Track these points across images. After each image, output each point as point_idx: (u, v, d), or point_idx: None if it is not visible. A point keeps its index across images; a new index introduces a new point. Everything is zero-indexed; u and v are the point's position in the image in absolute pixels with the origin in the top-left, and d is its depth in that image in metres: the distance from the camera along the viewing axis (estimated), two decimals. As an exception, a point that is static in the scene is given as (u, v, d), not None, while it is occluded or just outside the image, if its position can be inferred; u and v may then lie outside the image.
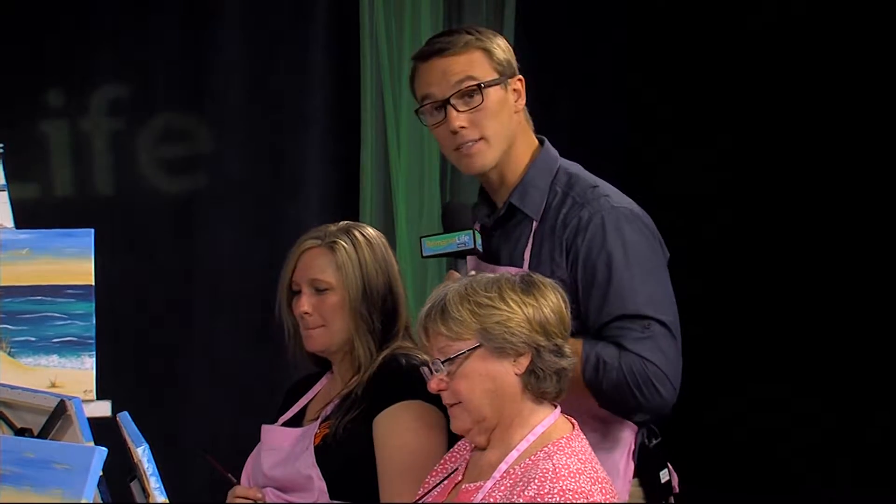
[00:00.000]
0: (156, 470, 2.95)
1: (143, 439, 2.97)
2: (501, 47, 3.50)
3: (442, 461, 3.27)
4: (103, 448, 2.83)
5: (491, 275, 3.13)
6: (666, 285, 3.41)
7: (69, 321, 3.37)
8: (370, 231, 3.73)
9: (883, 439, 5.18)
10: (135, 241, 5.34)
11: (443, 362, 3.06)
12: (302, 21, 5.46)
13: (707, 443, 5.25)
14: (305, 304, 3.64)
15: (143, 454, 2.95)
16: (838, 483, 5.23)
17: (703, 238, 5.37)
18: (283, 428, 3.75)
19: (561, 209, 3.42)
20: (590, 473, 2.99)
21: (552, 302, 3.08)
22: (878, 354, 5.21)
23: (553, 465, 2.98)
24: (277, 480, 3.67)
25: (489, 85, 3.44)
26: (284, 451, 3.68)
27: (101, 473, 2.82)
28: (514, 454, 3.05)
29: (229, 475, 3.71)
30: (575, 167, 3.53)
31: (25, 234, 3.38)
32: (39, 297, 3.36)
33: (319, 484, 3.57)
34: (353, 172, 5.43)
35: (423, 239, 3.49)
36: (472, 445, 3.18)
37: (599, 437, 3.38)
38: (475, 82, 3.44)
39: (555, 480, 2.96)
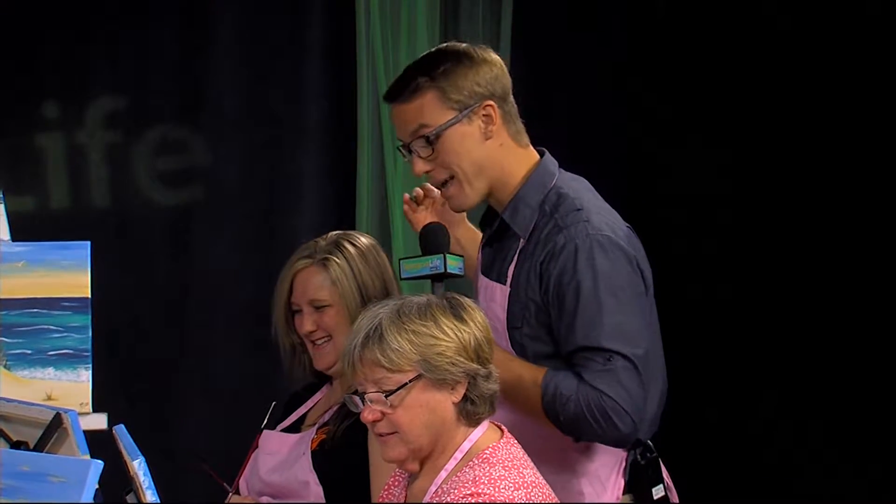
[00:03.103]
0: (152, 483, 2.94)
1: (138, 452, 2.97)
2: (462, 77, 3.40)
3: (386, 487, 3.25)
4: (99, 461, 2.82)
5: (418, 298, 3.08)
6: (638, 316, 3.34)
7: (65, 334, 3.37)
8: (361, 239, 3.76)
9: (886, 444, 5.17)
10: (131, 253, 5.33)
11: (386, 395, 3.00)
12: (298, 34, 5.47)
13: (712, 446, 5.25)
14: (308, 323, 3.67)
15: (139, 467, 2.94)
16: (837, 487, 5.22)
17: (703, 238, 5.38)
18: (280, 433, 3.76)
19: (544, 229, 3.39)
20: (513, 479, 2.97)
21: (479, 322, 3.07)
22: (880, 356, 5.20)
23: (474, 475, 2.97)
24: (274, 485, 3.67)
25: (444, 129, 3.39)
26: (281, 456, 3.69)
27: (97, 486, 2.81)
28: (442, 475, 3.03)
29: (223, 483, 3.71)
30: (570, 183, 3.47)
31: (21, 247, 3.38)
32: (35, 310, 3.36)
33: (316, 489, 3.58)
34: (349, 185, 5.43)
35: (401, 261, 3.45)
36: (406, 475, 3.16)
37: (583, 450, 3.40)
38: (427, 130, 3.39)
39: (472, 487, 2.94)
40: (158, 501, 2.96)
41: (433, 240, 3.42)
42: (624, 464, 3.42)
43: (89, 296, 3.37)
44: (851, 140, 5.25)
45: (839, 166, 5.27)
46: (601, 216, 3.39)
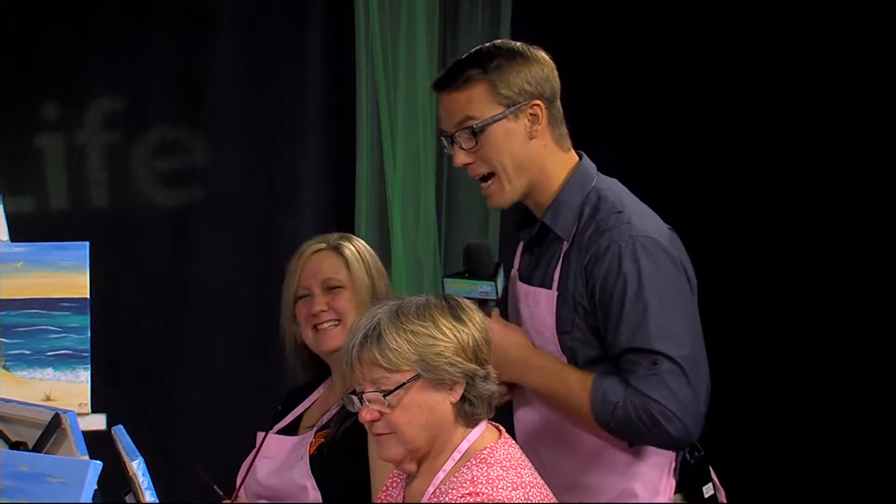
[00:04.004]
0: (151, 483, 2.94)
1: (137, 453, 2.97)
2: (514, 73, 3.41)
3: (384, 488, 3.25)
4: (98, 461, 2.82)
5: (417, 298, 3.08)
6: (684, 317, 3.34)
7: (64, 334, 3.37)
8: (365, 244, 3.84)
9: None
10: (130, 254, 5.33)
11: (384, 395, 3.00)
12: (298, 34, 5.46)
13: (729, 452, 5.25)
14: (319, 303, 3.68)
15: (138, 467, 2.94)
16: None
17: (702, 239, 5.37)
18: (279, 436, 3.76)
19: (585, 232, 3.38)
20: (511, 479, 2.97)
21: (478, 323, 3.07)
22: (884, 358, 5.20)
23: (472, 475, 2.97)
24: (272, 489, 3.67)
25: (490, 123, 3.39)
26: (279, 460, 3.69)
27: (95, 487, 2.81)
28: (440, 475, 3.03)
29: (214, 486, 3.71)
30: (609, 186, 3.47)
31: (20, 248, 3.38)
32: (34, 311, 3.36)
33: (314, 494, 3.57)
34: (348, 185, 5.43)
35: (445, 280, 3.47)
36: (404, 475, 3.17)
37: (634, 452, 3.40)
38: (473, 122, 3.39)
39: (469, 487, 2.94)
40: (157, 502, 2.96)
41: (481, 260, 3.45)
42: (674, 464, 3.41)
43: (88, 296, 3.37)
44: (852, 140, 5.25)
45: (840, 166, 5.27)
46: (643, 218, 3.40)
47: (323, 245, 3.77)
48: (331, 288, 3.71)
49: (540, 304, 3.43)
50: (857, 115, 5.24)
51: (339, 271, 3.72)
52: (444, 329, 3.02)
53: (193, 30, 5.41)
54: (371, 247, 3.86)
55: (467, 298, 3.29)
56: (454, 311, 3.05)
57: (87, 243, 3.39)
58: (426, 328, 3.01)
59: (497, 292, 3.41)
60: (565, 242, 3.41)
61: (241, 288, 5.38)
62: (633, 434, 3.31)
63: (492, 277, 3.42)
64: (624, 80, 5.53)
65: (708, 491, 3.44)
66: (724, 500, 3.50)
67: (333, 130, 5.49)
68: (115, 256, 5.19)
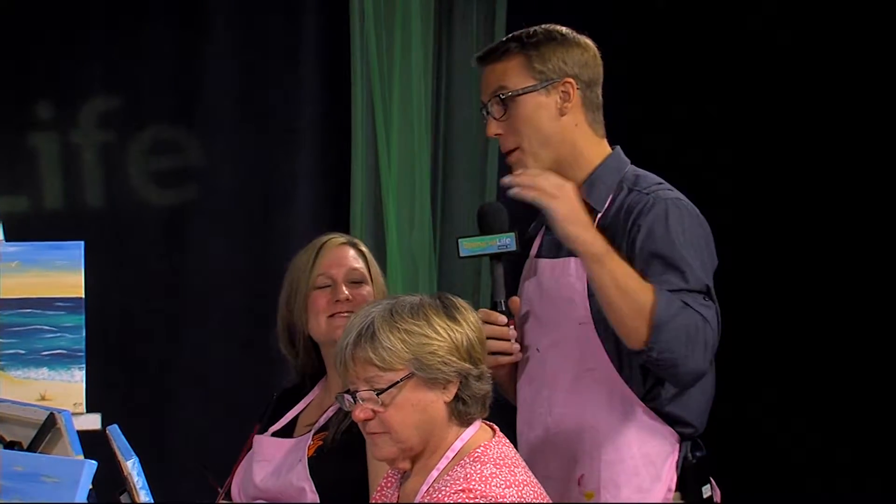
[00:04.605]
0: (145, 483, 2.95)
1: (132, 452, 2.97)
2: (551, 51, 3.49)
3: (379, 488, 3.25)
4: (93, 461, 2.83)
5: (411, 298, 3.10)
6: (711, 267, 3.43)
7: (59, 334, 3.36)
8: None
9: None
10: (125, 253, 5.33)
11: (377, 394, 3.01)
12: (292, 34, 5.46)
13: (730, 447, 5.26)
14: (344, 292, 3.73)
15: (132, 467, 2.95)
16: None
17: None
18: (274, 439, 3.75)
19: (625, 201, 3.44)
20: (504, 477, 2.98)
21: (472, 322, 3.08)
22: (883, 357, 5.20)
23: (465, 473, 2.98)
24: (269, 492, 3.66)
25: (521, 93, 3.46)
26: (276, 463, 3.68)
27: (90, 486, 2.81)
28: (434, 474, 3.04)
29: (214, 482, 3.71)
30: (645, 171, 3.55)
31: (15, 247, 3.37)
32: (29, 310, 3.36)
33: (313, 496, 3.57)
34: (343, 184, 5.43)
35: (460, 240, 3.51)
36: (399, 474, 3.17)
37: (643, 429, 3.40)
38: (504, 91, 3.47)
39: (462, 484, 2.95)
40: (152, 501, 2.96)
41: (497, 218, 3.49)
42: (677, 456, 3.42)
43: (83, 296, 3.37)
44: (852, 140, 5.26)
45: (840, 166, 5.27)
46: (681, 195, 3.49)
47: (343, 239, 3.82)
48: (354, 281, 3.75)
49: (569, 271, 3.45)
50: (857, 115, 5.25)
51: (362, 266, 3.78)
52: (439, 328, 3.02)
53: (188, 29, 5.41)
54: (366, 245, 3.88)
55: (485, 255, 3.37)
56: (448, 311, 3.06)
57: (82, 243, 3.38)
58: (420, 327, 3.02)
59: (516, 244, 3.46)
60: (598, 214, 3.44)
61: (236, 287, 5.38)
62: (672, 347, 3.28)
63: (504, 229, 3.47)
64: (623, 80, 5.52)
65: (706, 491, 3.45)
66: (719, 501, 3.50)
67: (328, 130, 5.49)
68: (110, 256, 5.19)
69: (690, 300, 3.31)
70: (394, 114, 5.34)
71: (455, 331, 3.04)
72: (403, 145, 5.36)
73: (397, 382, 3.00)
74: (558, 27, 3.58)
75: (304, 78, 5.47)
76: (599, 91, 3.57)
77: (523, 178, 3.36)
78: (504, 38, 3.58)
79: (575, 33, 3.57)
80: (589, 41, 3.58)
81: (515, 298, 3.51)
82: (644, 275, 3.33)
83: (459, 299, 3.12)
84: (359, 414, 3.04)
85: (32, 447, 3.05)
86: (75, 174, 5.36)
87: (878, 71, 5.22)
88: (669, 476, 3.42)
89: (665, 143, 5.48)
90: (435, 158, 5.43)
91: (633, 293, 3.28)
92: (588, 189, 3.47)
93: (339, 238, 3.83)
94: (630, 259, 3.35)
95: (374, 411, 3.02)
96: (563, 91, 3.49)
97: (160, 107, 5.43)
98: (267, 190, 5.47)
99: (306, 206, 5.46)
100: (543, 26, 3.58)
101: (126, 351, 5.29)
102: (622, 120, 5.48)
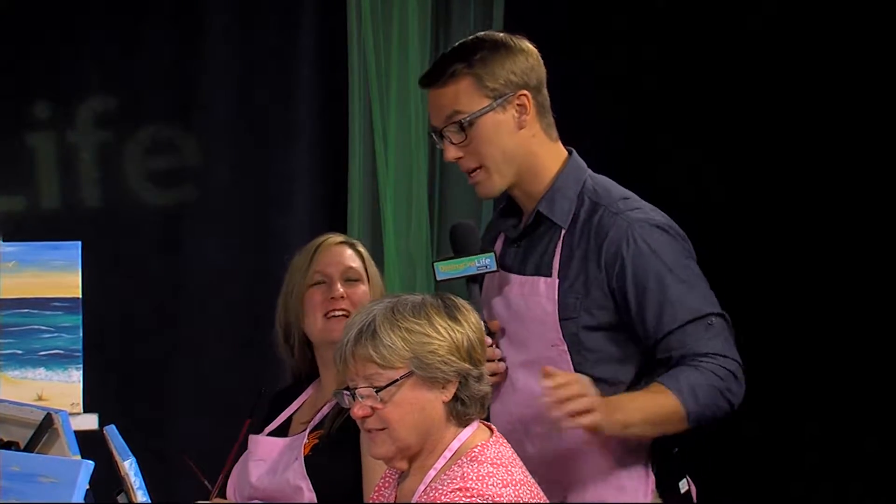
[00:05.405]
0: (143, 483, 2.95)
1: (129, 452, 2.97)
2: (499, 65, 3.44)
3: (376, 488, 3.25)
4: (90, 461, 2.83)
5: (413, 297, 3.10)
6: (706, 282, 3.44)
7: (56, 334, 3.37)
8: None
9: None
10: (122, 253, 5.32)
11: (377, 391, 3.01)
12: (289, 34, 5.46)
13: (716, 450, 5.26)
14: (339, 289, 3.73)
15: (129, 467, 2.95)
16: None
17: (701, 239, 5.36)
18: (270, 438, 3.75)
19: (592, 217, 3.42)
20: (501, 476, 2.98)
21: (473, 323, 3.08)
22: (883, 362, 5.20)
23: (462, 472, 2.98)
24: (265, 491, 3.66)
25: (478, 116, 3.42)
26: (272, 462, 3.68)
27: (87, 487, 2.81)
28: (431, 473, 3.04)
29: (205, 480, 3.71)
30: (602, 179, 3.52)
31: (12, 247, 3.38)
32: (26, 310, 3.36)
33: (309, 495, 3.57)
34: (340, 185, 5.43)
35: (435, 264, 3.49)
36: (397, 474, 3.17)
37: (619, 444, 3.41)
38: (461, 116, 3.42)
39: (460, 483, 2.95)
40: (149, 501, 2.96)
41: (470, 239, 3.49)
42: (650, 456, 3.43)
43: (80, 296, 3.37)
44: (853, 139, 5.25)
45: (840, 166, 5.26)
46: (646, 204, 3.47)
47: (341, 239, 3.83)
48: (350, 279, 3.75)
49: (538, 292, 3.44)
50: (857, 114, 5.24)
51: (359, 265, 3.78)
52: (439, 328, 3.03)
53: (185, 29, 5.40)
54: (364, 245, 3.88)
55: (463, 277, 3.35)
56: (450, 311, 3.06)
57: (79, 243, 3.39)
58: (421, 326, 3.02)
59: (496, 264, 3.44)
60: (562, 230, 3.43)
61: (232, 287, 5.38)
62: (716, 407, 3.32)
63: (477, 248, 3.46)
64: (623, 80, 5.53)
65: (683, 486, 3.45)
66: (694, 497, 3.51)
67: (325, 130, 5.48)
68: (107, 256, 5.18)
69: (697, 343, 3.32)
70: (391, 114, 5.33)
71: (456, 331, 3.04)
72: (401, 146, 5.36)
73: (397, 380, 3.00)
74: (495, 35, 3.52)
75: (301, 78, 5.46)
76: (546, 90, 3.52)
77: (569, 406, 3.23)
78: (444, 56, 3.51)
79: (513, 38, 3.51)
80: (527, 42, 3.53)
81: (496, 322, 3.49)
82: (639, 316, 3.34)
83: (461, 300, 3.12)
84: (357, 411, 3.04)
85: (29, 447, 3.05)
86: (73, 174, 5.35)
87: (878, 71, 5.22)
88: (649, 478, 3.43)
89: (665, 143, 5.49)
90: (432, 158, 5.43)
91: (666, 419, 3.31)
92: (548, 205, 3.46)
93: (337, 237, 3.84)
94: (611, 290, 3.36)
95: (372, 408, 3.02)
96: (518, 105, 3.45)
97: (157, 107, 5.42)
98: (264, 190, 5.46)
99: (303, 206, 5.46)
100: (480, 36, 3.52)
101: (123, 351, 5.28)
102: (622, 120, 5.52)
